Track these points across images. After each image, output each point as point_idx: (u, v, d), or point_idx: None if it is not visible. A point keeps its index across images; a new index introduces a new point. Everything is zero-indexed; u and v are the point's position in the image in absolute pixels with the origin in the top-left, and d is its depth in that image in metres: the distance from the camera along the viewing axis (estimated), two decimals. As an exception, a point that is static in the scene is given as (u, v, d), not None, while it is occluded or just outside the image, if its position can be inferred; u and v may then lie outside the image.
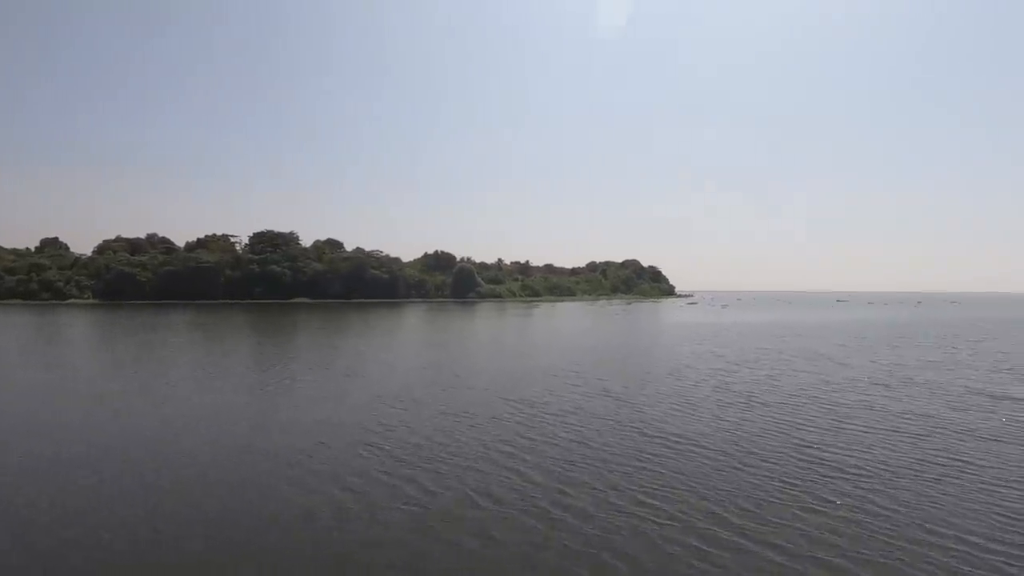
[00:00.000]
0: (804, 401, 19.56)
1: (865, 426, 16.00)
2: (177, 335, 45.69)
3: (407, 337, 46.43)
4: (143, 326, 55.28)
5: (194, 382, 23.47)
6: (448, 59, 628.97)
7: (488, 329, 56.68)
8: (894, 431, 15.47)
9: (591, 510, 9.98)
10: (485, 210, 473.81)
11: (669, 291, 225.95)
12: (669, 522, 9.47)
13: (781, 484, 11.23)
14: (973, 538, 8.87)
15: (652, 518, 9.62)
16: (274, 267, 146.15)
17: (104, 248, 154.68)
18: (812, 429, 15.63)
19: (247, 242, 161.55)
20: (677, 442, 14.23)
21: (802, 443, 14.16)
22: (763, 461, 12.71)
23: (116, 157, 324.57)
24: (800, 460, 12.77)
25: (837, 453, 13.32)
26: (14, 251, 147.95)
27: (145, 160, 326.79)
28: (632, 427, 15.80)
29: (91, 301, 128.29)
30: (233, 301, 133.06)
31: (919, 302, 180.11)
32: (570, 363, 29.58)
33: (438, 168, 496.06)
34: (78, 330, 52.86)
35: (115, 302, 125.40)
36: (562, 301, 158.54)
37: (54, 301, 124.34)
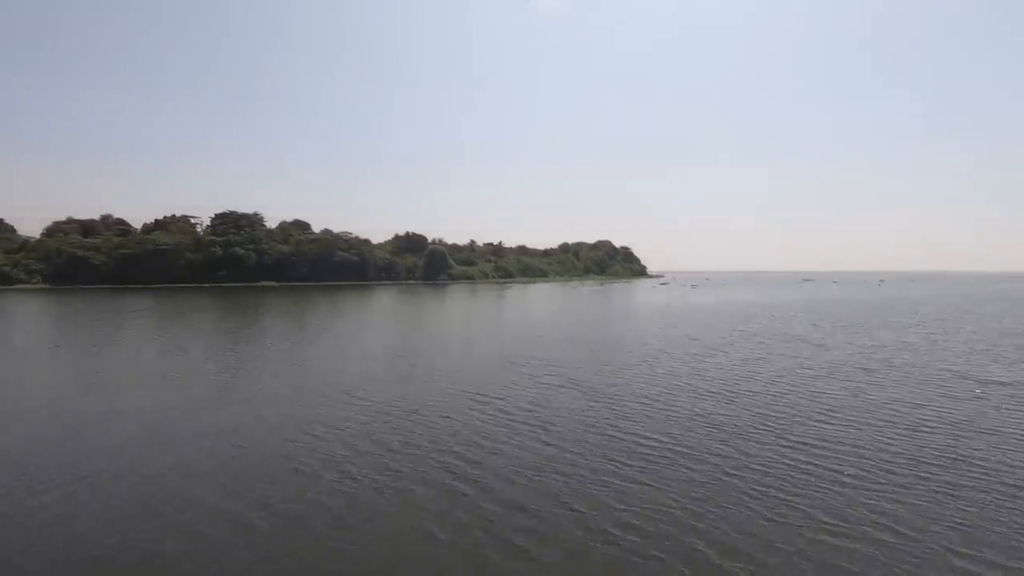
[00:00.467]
0: (786, 390, 18.08)
1: (855, 419, 14.51)
2: (123, 321, 42.21)
3: (371, 323, 43.93)
4: (87, 311, 51.34)
5: (129, 371, 20.95)
6: (413, 44, 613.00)
7: (454, 314, 54.53)
8: (887, 424, 14.01)
9: (546, 548, 8.10)
10: (458, 192, 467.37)
11: (641, 272, 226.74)
12: (641, 559, 7.66)
13: (773, 501, 9.52)
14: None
15: (620, 553, 7.80)
16: (238, 249, 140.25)
17: (54, 230, 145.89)
18: (800, 424, 14.05)
19: (209, 223, 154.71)
20: (652, 446, 12.43)
21: (791, 444, 12.53)
22: (749, 468, 11.02)
23: (66, 136, 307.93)
24: (791, 466, 11.09)
25: (831, 456, 11.69)
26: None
27: (98, 139, 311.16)
28: (601, 428, 13.94)
29: (41, 286, 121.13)
30: (194, 285, 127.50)
31: (881, 281, 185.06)
32: (537, 350, 27.73)
33: (409, 150, 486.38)
34: (12, 316, 48.74)
35: (67, 287, 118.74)
36: (534, 283, 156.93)
37: (1, 287, 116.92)
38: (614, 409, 15.68)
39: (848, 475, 10.62)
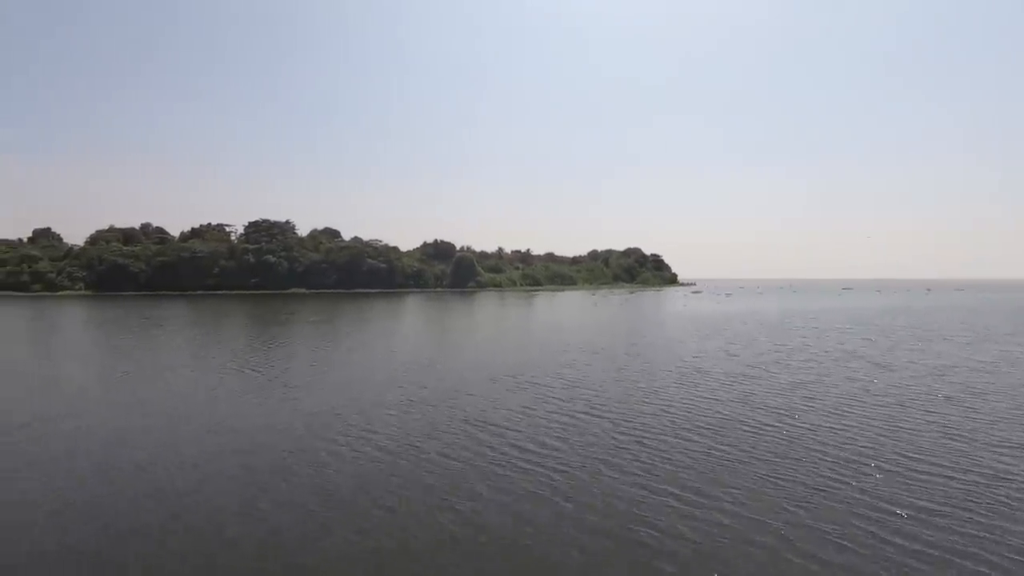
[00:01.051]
0: (854, 425, 15.18)
1: (954, 469, 11.51)
2: (148, 328, 41.67)
3: (394, 334, 42.16)
4: (115, 319, 51.39)
5: (140, 380, 19.59)
6: (448, 49, 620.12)
7: (478, 324, 52.46)
8: (999, 480, 11.00)
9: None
10: (486, 199, 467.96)
11: (672, 279, 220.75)
12: None
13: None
14: None
15: None
16: (270, 257, 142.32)
17: (97, 238, 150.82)
18: (886, 479, 11.13)
19: (242, 232, 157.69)
20: (697, 507, 9.80)
21: (880, 509, 9.64)
22: (834, 552, 8.40)
23: (113, 146, 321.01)
24: (888, 554, 8.38)
25: (943, 528, 8.84)
26: (6, 242, 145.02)
27: (141, 149, 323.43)
28: (630, 478, 11.36)
29: (83, 292, 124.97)
30: (228, 292, 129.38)
31: (928, 289, 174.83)
32: (559, 366, 25.32)
33: (439, 157, 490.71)
34: (31, 324, 49.05)
35: (107, 293, 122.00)
36: (563, 291, 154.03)
37: (45, 293, 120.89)
38: (645, 449, 13.12)
39: (969, 554, 7.93)
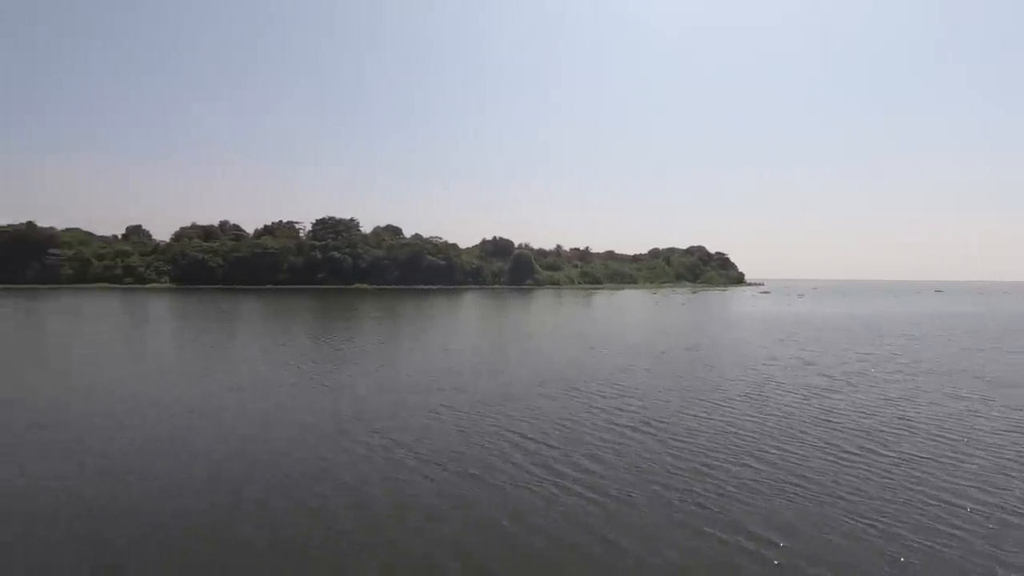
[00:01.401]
0: (961, 456, 12.55)
1: None
2: (224, 321, 43.42)
3: (449, 330, 41.58)
4: (195, 312, 54.12)
5: (216, 372, 19.90)
6: (502, 45, 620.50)
7: (532, 322, 51.08)
8: None
9: None
10: (546, 196, 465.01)
11: (738, 279, 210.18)
12: None
13: None
14: None
15: None
16: (335, 253, 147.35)
17: (181, 235, 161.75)
18: (1003, 527, 8.84)
19: (310, 229, 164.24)
20: (763, 562, 7.99)
21: (1002, 572, 7.66)
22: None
23: (196, 147, 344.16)
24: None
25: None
26: (102, 239, 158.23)
27: (221, 150, 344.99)
28: (687, 515, 9.63)
29: (168, 285, 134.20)
30: (296, 286, 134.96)
31: None
32: (611, 371, 23.53)
33: (499, 154, 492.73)
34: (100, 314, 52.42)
35: (189, 287, 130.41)
36: (622, 289, 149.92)
37: (136, 285, 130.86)
38: (701, 478, 11.26)
39: None
